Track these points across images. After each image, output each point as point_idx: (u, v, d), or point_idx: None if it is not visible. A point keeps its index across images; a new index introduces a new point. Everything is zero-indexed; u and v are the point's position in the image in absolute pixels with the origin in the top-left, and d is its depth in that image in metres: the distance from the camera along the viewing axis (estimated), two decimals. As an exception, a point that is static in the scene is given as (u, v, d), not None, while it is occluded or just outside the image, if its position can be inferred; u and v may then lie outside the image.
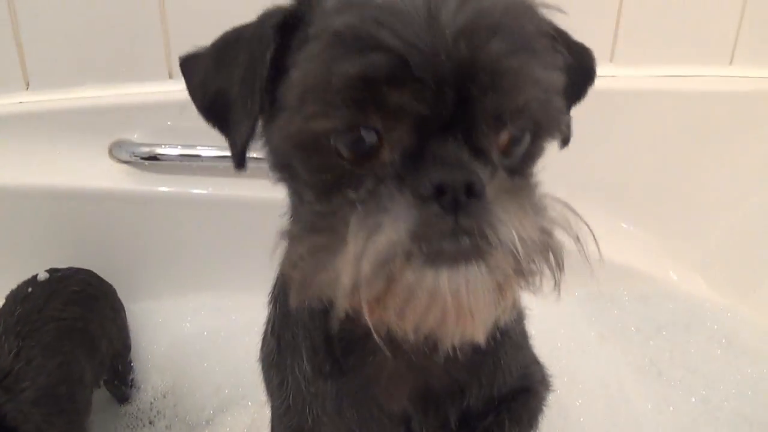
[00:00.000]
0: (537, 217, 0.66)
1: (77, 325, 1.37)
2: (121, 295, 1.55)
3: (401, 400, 0.91)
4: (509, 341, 0.96)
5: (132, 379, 1.55)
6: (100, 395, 1.48)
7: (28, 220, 1.59)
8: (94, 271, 1.51)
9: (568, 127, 0.81)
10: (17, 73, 1.58)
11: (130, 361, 1.56)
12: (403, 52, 0.61)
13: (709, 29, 1.77)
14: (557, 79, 0.70)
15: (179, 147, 1.56)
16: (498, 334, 0.88)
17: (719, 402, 1.52)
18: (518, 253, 0.63)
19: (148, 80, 1.59)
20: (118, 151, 1.58)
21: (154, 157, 1.57)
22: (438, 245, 0.61)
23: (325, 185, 0.68)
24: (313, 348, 0.89)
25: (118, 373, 1.51)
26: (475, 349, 0.80)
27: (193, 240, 1.66)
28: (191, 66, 0.80)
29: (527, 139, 0.71)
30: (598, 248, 0.71)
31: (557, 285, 0.68)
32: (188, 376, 1.56)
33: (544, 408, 1.05)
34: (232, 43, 0.76)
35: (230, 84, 0.73)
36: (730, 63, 1.80)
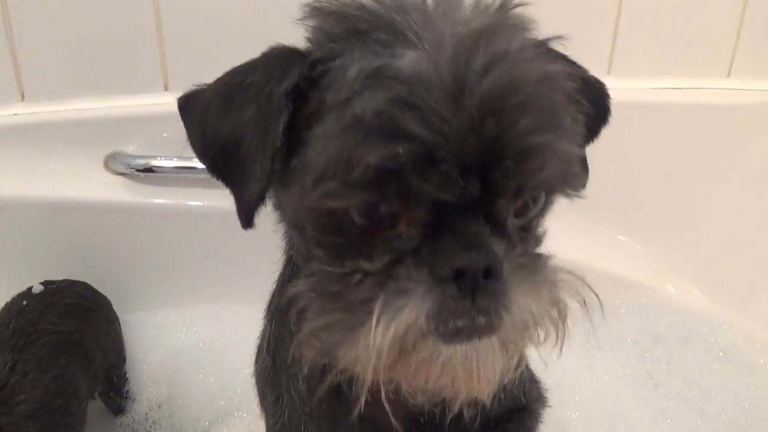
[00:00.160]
0: (548, 291, 0.68)
1: (72, 337, 1.36)
2: (117, 306, 1.54)
3: (397, 423, 0.90)
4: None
5: (127, 391, 1.55)
6: (96, 407, 1.48)
7: (23, 232, 1.59)
8: (90, 282, 1.51)
9: (584, 176, 0.80)
10: (12, 84, 1.58)
11: (125, 373, 1.56)
12: (429, 142, 0.59)
13: (707, 42, 1.76)
14: (580, 150, 0.70)
15: (175, 159, 1.56)
16: None
17: (716, 414, 1.52)
18: (529, 326, 0.67)
19: (143, 92, 1.59)
20: (113, 162, 1.58)
21: (149, 169, 1.57)
22: (454, 324, 0.63)
23: (338, 247, 0.68)
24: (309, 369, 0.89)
25: (113, 385, 1.51)
26: None
27: (188, 252, 1.65)
28: (191, 108, 0.75)
29: (542, 201, 0.72)
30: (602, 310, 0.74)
31: (560, 343, 0.71)
32: (184, 387, 1.55)
33: (540, 425, 1.05)
34: (237, 89, 0.70)
35: (236, 141, 0.69)
36: (728, 75, 1.80)
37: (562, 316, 0.69)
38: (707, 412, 1.52)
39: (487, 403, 0.74)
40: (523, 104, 0.62)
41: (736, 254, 1.78)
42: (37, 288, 1.42)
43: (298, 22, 0.73)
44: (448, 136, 0.60)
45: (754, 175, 1.77)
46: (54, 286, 1.44)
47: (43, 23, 1.54)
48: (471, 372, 0.66)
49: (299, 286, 0.71)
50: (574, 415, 1.49)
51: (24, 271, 1.47)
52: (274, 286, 0.95)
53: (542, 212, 0.74)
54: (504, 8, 0.72)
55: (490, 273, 0.63)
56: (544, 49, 0.71)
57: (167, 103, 1.55)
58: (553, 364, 1.45)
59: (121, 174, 1.59)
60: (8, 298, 1.40)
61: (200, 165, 1.58)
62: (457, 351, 0.65)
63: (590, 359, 1.60)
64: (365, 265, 0.65)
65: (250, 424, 1.46)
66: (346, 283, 0.66)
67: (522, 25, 0.71)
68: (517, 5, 0.72)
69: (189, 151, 0.75)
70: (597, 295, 0.73)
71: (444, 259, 0.63)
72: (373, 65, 0.62)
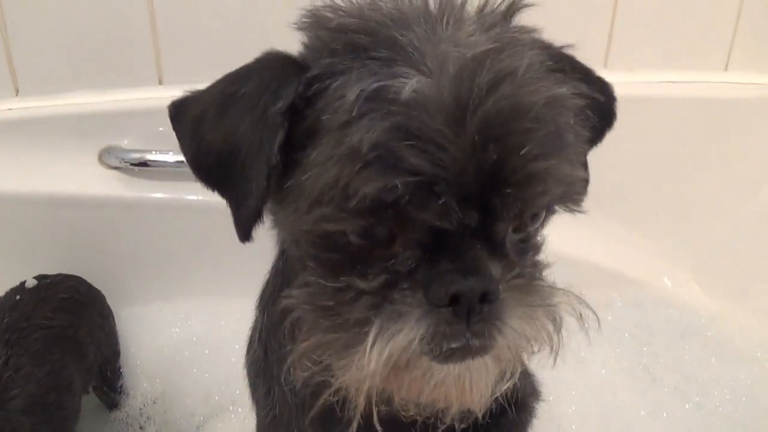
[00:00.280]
0: (544, 314, 0.68)
1: (66, 332, 1.36)
2: (111, 301, 1.54)
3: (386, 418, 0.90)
4: None
5: (121, 386, 1.55)
6: (90, 402, 1.47)
7: (16, 227, 1.58)
8: (84, 277, 1.50)
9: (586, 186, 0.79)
10: (6, 79, 1.57)
11: (119, 367, 1.55)
12: (428, 174, 0.58)
13: (705, 35, 1.75)
14: (583, 172, 0.71)
15: (169, 153, 1.55)
16: None
17: (713, 408, 1.51)
18: (523, 347, 0.68)
19: (137, 86, 1.58)
20: (107, 157, 1.57)
21: (143, 163, 1.56)
22: (448, 346, 0.64)
23: (333, 263, 0.67)
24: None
25: (107, 380, 1.50)
26: None
27: (183, 246, 1.64)
28: (183, 118, 0.74)
29: (542, 218, 0.72)
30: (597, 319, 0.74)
31: (555, 356, 0.72)
32: (178, 382, 1.55)
33: (534, 420, 1.04)
34: (231, 99, 0.69)
35: (232, 155, 0.68)
36: (726, 69, 1.79)
37: (557, 334, 0.70)
38: (704, 406, 1.52)
39: (480, 415, 0.75)
40: (527, 130, 0.61)
41: (734, 248, 1.77)
42: (31, 282, 1.41)
43: (296, 28, 0.72)
44: (448, 166, 0.59)
45: (751, 169, 1.76)
46: (48, 281, 1.43)
47: (38, 18, 1.53)
48: (464, 389, 0.68)
49: (292, 297, 0.70)
50: (570, 410, 1.49)
51: (18, 266, 1.47)
52: (267, 277, 0.94)
53: (542, 225, 0.74)
54: (508, 18, 0.71)
55: (486, 298, 0.63)
56: (551, 62, 0.69)
57: (162, 97, 1.52)
58: (548, 358, 1.45)
59: (116, 168, 1.58)
60: (1, 293, 1.40)
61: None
62: (451, 371, 0.66)
63: (586, 353, 1.59)
64: (360, 283, 0.65)
65: (245, 419, 1.45)
66: (340, 299, 0.66)
67: (528, 40, 0.69)
68: (522, 6, 0.71)
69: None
70: (594, 312, 0.74)
71: (440, 283, 0.62)
72: (372, 87, 0.60)
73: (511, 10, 0.72)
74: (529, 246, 0.72)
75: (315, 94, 0.65)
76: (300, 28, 0.72)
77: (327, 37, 0.68)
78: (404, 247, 0.65)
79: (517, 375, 0.73)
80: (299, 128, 0.66)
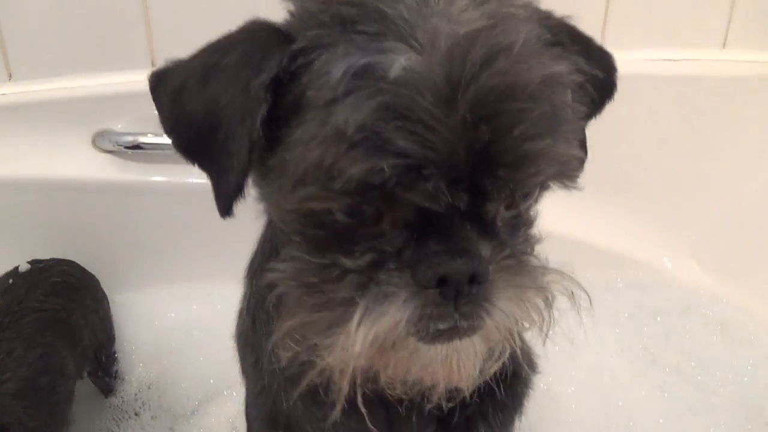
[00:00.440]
0: (534, 295, 0.67)
1: (59, 315, 1.35)
2: (105, 286, 1.53)
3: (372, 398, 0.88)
4: None
5: (116, 371, 1.53)
6: (85, 387, 1.46)
7: (10, 212, 1.57)
8: (78, 262, 1.49)
9: (582, 158, 0.76)
10: (-1, 64, 1.57)
11: (114, 353, 1.54)
12: (416, 156, 0.57)
13: (702, 12, 1.73)
14: (578, 151, 0.68)
15: (163, 136, 1.53)
16: None
17: (716, 388, 1.50)
18: (512, 327, 0.67)
19: (130, 69, 1.56)
20: (101, 141, 1.56)
21: (137, 146, 1.55)
22: (435, 327, 0.63)
23: (319, 239, 0.66)
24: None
25: (101, 365, 1.49)
26: None
27: (177, 229, 1.63)
28: (163, 87, 0.72)
29: (535, 195, 0.70)
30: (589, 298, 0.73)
31: (545, 335, 0.71)
32: (173, 367, 1.54)
33: (530, 391, 1.03)
34: (213, 70, 0.66)
35: (212, 128, 0.65)
36: (723, 46, 1.77)
37: (548, 313, 0.69)
38: (706, 385, 1.51)
39: (468, 394, 0.75)
40: (522, 109, 0.59)
41: (735, 227, 1.75)
42: (24, 267, 1.40)
43: None
44: (438, 148, 0.57)
45: (751, 148, 1.74)
46: (41, 265, 1.42)
47: (30, 2, 1.52)
48: (451, 369, 0.67)
49: (278, 271, 0.69)
50: (569, 390, 1.48)
51: (11, 251, 1.45)
52: (256, 246, 0.93)
53: (536, 202, 0.72)
54: None
55: (474, 279, 0.62)
56: (549, 35, 0.67)
57: (154, 79, 1.55)
58: (548, 338, 1.44)
59: (109, 152, 1.57)
60: (-4, 279, 1.39)
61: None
62: (438, 351, 0.65)
63: (586, 334, 1.57)
64: (346, 261, 0.64)
65: (240, 402, 1.44)
66: (325, 276, 0.65)
67: (524, 15, 0.67)
68: None
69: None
70: (587, 293, 0.72)
71: (428, 264, 0.61)
72: (359, 64, 0.58)
73: None
74: (521, 222, 0.71)
75: (300, 67, 0.63)
76: None
77: (314, 7, 0.66)
78: (392, 225, 0.63)
79: (506, 354, 0.72)
80: (283, 103, 0.64)
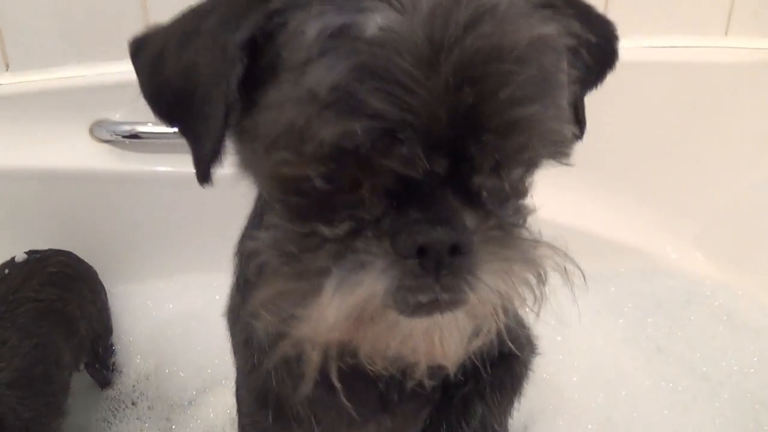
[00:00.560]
0: (522, 268, 0.64)
1: (54, 306, 1.34)
2: (103, 278, 1.52)
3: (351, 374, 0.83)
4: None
5: (114, 363, 1.52)
6: (81, 379, 1.45)
7: (7, 202, 1.56)
8: (76, 253, 1.48)
9: (580, 130, 0.75)
10: (-4, 54, 1.56)
11: (112, 345, 1.53)
12: (391, 119, 0.54)
13: (704, -1, 1.73)
14: (569, 127, 0.65)
15: (162, 125, 1.52)
16: None
17: (721, 379, 1.48)
18: (497, 303, 0.63)
19: (128, 58, 1.55)
20: (98, 130, 1.55)
21: (135, 136, 1.54)
22: (415, 300, 0.60)
23: (298, 207, 0.64)
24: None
25: (98, 357, 1.47)
26: None
27: (176, 220, 1.62)
28: (143, 53, 0.72)
29: (525, 167, 0.67)
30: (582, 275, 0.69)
31: (537, 312, 0.68)
32: (171, 358, 1.53)
33: (530, 373, 1.00)
34: (192, 34, 0.65)
35: (190, 92, 0.65)
36: (726, 33, 1.75)
37: (539, 290, 0.66)
38: (711, 376, 1.48)
39: (452, 372, 0.71)
40: (508, 72, 0.56)
41: (739, 216, 1.74)
42: (21, 257, 1.40)
43: None
44: (416, 110, 0.55)
45: (754, 136, 1.73)
46: (37, 255, 1.41)
47: (27, -8, 1.52)
48: (433, 344, 0.64)
49: (259, 239, 0.67)
50: (573, 379, 1.46)
51: (9, 242, 1.45)
52: (245, 223, 0.91)
53: (528, 173, 0.69)
54: None
55: (456, 250, 0.59)
56: None
57: (153, 68, 1.54)
58: (551, 329, 1.43)
59: (107, 141, 1.56)
60: (-7, 269, 1.38)
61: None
62: (419, 325, 0.62)
63: (589, 324, 1.56)
64: (324, 229, 0.62)
65: (238, 394, 1.43)
66: (304, 245, 0.63)
67: None
68: None
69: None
70: (579, 268, 0.68)
71: (407, 233, 0.58)
72: (336, 23, 0.56)
73: None
74: (511, 192, 0.68)
75: (276, 28, 0.62)
76: None
77: None
78: (372, 193, 0.61)
79: (493, 332, 0.69)
80: (259, 65, 0.62)
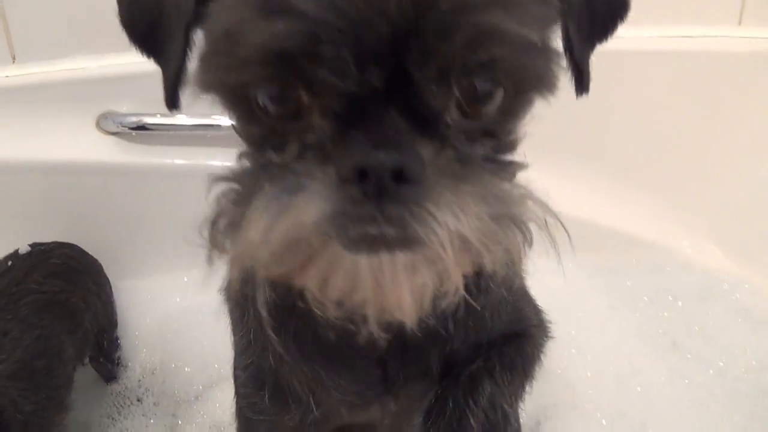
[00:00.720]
0: (485, 205, 0.57)
1: (57, 298, 1.32)
2: (109, 271, 1.50)
3: (375, 344, 0.76)
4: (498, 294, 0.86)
5: (119, 357, 1.50)
6: (86, 374, 1.43)
7: (14, 194, 1.55)
8: (82, 247, 1.47)
9: (582, 73, 0.71)
10: (3, 46, 1.55)
11: (117, 339, 1.51)
12: (316, 19, 0.51)
13: (717, -12, 1.71)
14: (542, 35, 0.60)
15: (169, 116, 1.52)
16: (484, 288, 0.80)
17: (739, 374, 1.44)
18: (455, 244, 0.56)
19: (134, 50, 1.54)
20: (105, 122, 1.54)
21: (142, 127, 1.53)
22: (356, 230, 0.55)
23: (254, 137, 0.63)
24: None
25: (103, 350, 1.46)
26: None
27: (182, 212, 1.58)
28: None
29: (500, 95, 0.61)
30: (567, 235, 0.63)
31: (514, 270, 0.62)
32: (176, 353, 1.51)
33: (542, 356, 0.97)
34: None
35: (160, 16, 0.67)
36: (739, 23, 1.73)
37: (514, 239, 0.59)
38: (728, 371, 1.45)
39: (410, 327, 0.64)
40: None
41: (755, 209, 1.70)
42: (24, 249, 1.38)
43: None
44: (342, 10, 0.51)
45: (769, 126, 1.70)
46: (41, 248, 1.40)
47: (33, -16, 1.51)
48: (384, 289, 0.57)
49: (229, 172, 0.65)
50: (587, 374, 1.42)
51: (14, 234, 1.43)
52: None
53: (511, 113, 0.64)
54: None
55: (402, 176, 0.53)
56: None
57: (158, 60, 1.53)
58: (566, 323, 1.40)
59: (114, 134, 1.55)
60: (-2, 261, 1.36)
61: (194, 122, 1.55)
62: (364, 262, 0.56)
63: (603, 318, 1.53)
64: (275, 156, 0.60)
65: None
66: (259, 175, 0.60)
67: None
68: None
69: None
70: (564, 226, 0.62)
71: (348, 155, 0.54)
72: None
73: None
74: (489, 135, 0.63)
75: None
76: None
77: None
78: (320, 116, 0.58)
79: (461, 288, 0.61)
80: None
